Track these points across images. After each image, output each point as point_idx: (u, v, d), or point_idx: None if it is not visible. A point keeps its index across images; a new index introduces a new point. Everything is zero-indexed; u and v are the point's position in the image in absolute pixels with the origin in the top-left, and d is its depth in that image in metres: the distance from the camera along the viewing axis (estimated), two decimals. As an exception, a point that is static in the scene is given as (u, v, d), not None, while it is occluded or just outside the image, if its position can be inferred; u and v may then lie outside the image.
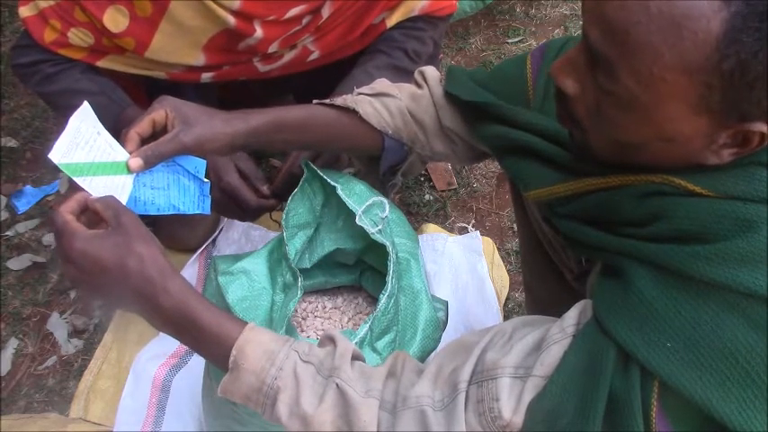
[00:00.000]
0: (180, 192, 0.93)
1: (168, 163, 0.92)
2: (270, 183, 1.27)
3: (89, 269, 0.75)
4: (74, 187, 0.83)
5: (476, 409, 0.72)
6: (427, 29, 1.46)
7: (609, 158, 0.76)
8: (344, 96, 1.06)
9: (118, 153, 0.89)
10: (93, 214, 0.80)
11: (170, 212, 0.92)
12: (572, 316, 0.74)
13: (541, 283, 1.25)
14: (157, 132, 0.92)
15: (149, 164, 0.89)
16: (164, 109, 0.91)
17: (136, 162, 0.88)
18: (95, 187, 0.84)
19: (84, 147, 0.85)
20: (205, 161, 0.95)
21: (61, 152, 0.83)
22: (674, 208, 0.70)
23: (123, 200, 0.86)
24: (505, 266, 1.67)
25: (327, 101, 1.05)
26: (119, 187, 0.87)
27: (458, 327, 1.50)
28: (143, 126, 0.90)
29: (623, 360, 0.68)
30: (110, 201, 0.80)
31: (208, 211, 0.96)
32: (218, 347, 0.76)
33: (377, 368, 0.78)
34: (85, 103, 0.88)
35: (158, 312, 0.76)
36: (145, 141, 0.91)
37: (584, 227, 0.80)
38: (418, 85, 1.09)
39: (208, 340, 0.77)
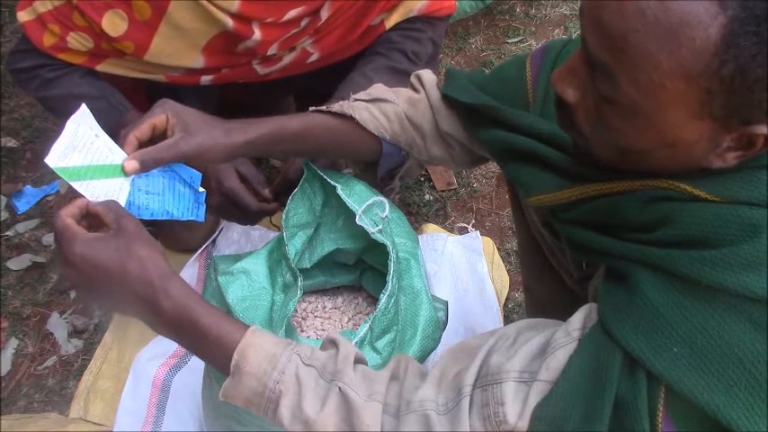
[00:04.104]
0: (175, 198, 0.93)
1: (165, 168, 0.92)
2: (270, 184, 1.27)
3: (89, 273, 0.75)
4: (73, 189, 0.83)
5: (480, 413, 0.71)
6: (426, 29, 1.46)
7: (612, 165, 0.75)
8: (341, 103, 1.06)
9: (116, 156, 0.88)
10: (95, 218, 0.79)
11: (163, 218, 0.91)
12: (577, 320, 0.73)
13: (540, 285, 1.25)
14: (156, 137, 0.92)
15: (145, 168, 0.89)
16: (165, 114, 0.91)
17: (131, 164, 0.87)
18: (92, 191, 0.84)
19: (82, 150, 0.85)
20: (201, 174, 0.95)
21: (57, 156, 0.82)
22: (679, 213, 0.70)
23: (120, 203, 0.85)
24: (505, 266, 1.67)
25: (324, 107, 1.05)
26: (116, 191, 0.86)
27: (458, 327, 1.50)
28: (142, 130, 0.90)
29: (629, 365, 0.67)
30: (111, 204, 0.80)
31: (202, 218, 0.95)
32: (220, 351, 0.76)
33: (379, 372, 0.78)
34: (83, 106, 0.87)
35: (159, 316, 0.76)
36: (143, 145, 0.90)
37: (588, 232, 0.80)
38: (415, 90, 1.09)
39: (209, 344, 0.76)
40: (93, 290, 0.76)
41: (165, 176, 0.92)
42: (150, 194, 0.90)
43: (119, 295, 0.76)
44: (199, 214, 0.96)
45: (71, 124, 0.85)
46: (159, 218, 0.91)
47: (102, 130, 0.88)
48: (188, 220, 0.94)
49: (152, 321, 0.77)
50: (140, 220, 0.81)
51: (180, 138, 0.90)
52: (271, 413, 0.76)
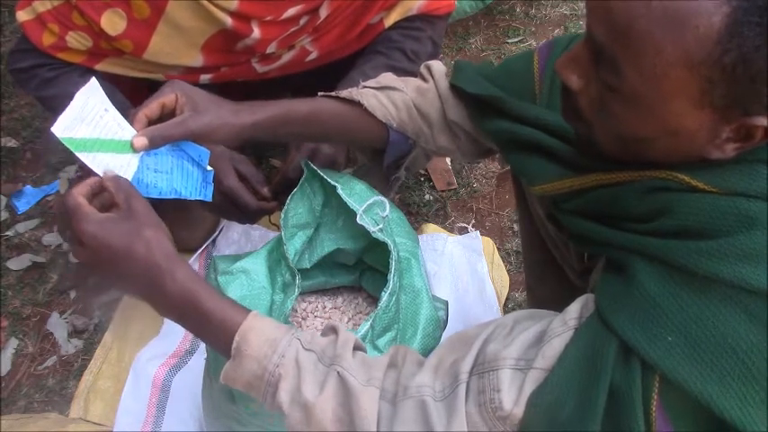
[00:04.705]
0: (183, 177, 0.92)
1: (173, 147, 0.91)
2: (269, 183, 1.27)
3: (99, 251, 0.76)
4: (79, 161, 0.83)
5: (476, 399, 0.72)
6: (425, 28, 1.46)
7: (613, 154, 0.76)
8: (350, 89, 1.07)
9: (125, 132, 0.88)
10: (106, 196, 0.80)
11: (171, 197, 0.91)
12: (574, 309, 0.74)
13: (543, 283, 1.26)
14: (165, 116, 0.92)
15: (154, 144, 0.89)
16: (174, 93, 0.92)
17: (140, 141, 0.88)
18: (99, 163, 0.83)
19: (90, 123, 0.84)
20: (209, 151, 0.94)
21: (64, 126, 0.81)
22: (677, 203, 0.71)
23: (127, 179, 0.85)
24: (505, 266, 1.66)
25: (333, 93, 1.06)
26: (123, 166, 0.86)
27: (457, 327, 1.48)
28: (152, 109, 0.90)
29: (624, 354, 0.68)
30: (122, 183, 0.81)
31: (209, 198, 0.95)
32: (222, 333, 0.77)
33: (378, 358, 0.79)
34: (93, 79, 0.87)
35: (163, 297, 0.77)
36: (152, 123, 0.91)
37: (588, 222, 0.81)
38: (424, 79, 1.10)
39: (211, 326, 0.77)
40: (102, 269, 0.78)
41: (173, 155, 0.92)
42: (159, 173, 0.90)
43: (125, 275, 0.77)
44: (207, 194, 0.95)
45: (80, 96, 0.84)
46: (167, 197, 0.90)
47: (112, 105, 0.88)
48: (196, 200, 0.94)
49: (156, 303, 0.78)
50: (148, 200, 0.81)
51: (189, 116, 0.91)
52: (270, 397, 0.76)
